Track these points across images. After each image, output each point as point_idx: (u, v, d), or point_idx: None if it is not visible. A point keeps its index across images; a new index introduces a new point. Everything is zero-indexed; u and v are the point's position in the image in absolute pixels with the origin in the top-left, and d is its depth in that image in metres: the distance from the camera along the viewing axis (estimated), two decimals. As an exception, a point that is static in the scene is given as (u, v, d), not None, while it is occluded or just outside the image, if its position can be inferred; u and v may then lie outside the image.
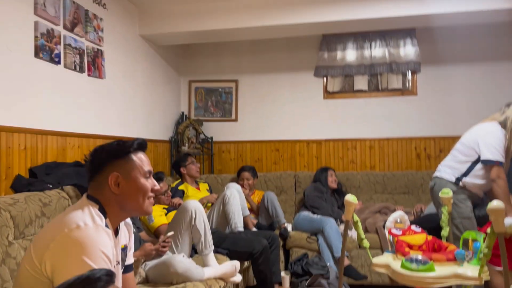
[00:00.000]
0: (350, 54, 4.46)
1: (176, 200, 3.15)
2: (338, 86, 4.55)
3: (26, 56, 2.35)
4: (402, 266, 1.96)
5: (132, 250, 1.47)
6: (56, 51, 2.58)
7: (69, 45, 2.71)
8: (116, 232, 1.33)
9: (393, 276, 2.02)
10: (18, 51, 2.29)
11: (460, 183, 2.68)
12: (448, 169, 2.76)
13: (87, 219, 1.18)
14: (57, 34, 2.59)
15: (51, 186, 2.27)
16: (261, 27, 3.73)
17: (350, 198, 2.04)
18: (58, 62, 2.61)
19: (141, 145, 1.34)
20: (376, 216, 3.63)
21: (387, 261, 2.11)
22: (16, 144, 2.25)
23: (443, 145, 4.32)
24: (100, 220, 1.21)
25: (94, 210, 1.22)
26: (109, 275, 0.84)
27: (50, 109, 2.55)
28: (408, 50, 4.33)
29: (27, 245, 1.92)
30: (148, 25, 3.81)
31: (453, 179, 2.70)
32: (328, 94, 4.59)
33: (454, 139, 4.24)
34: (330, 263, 3.08)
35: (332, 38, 4.50)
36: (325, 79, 4.58)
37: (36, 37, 2.41)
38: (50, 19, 2.53)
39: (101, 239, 1.14)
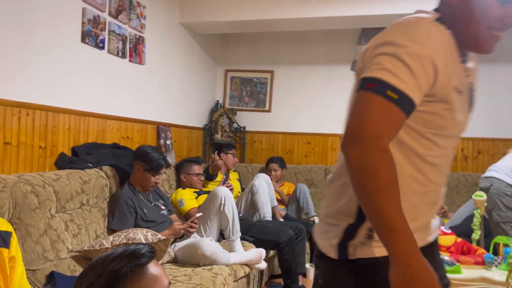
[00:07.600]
0: (389, 49, 4.37)
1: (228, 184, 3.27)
2: (375, 81, 4.48)
3: (73, 41, 2.47)
4: (428, 266, 1.95)
5: None
6: (101, 37, 2.69)
7: (113, 31, 2.82)
8: None
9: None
10: (67, 36, 2.42)
11: None
12: (510, 172, 2.64)
13: None
14: (103, 21, 2.70)
15: (91, 165, 2.40)
16: (300, 19, 3.72)
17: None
18: (103, 48, 2.73)
19: None
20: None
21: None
22: (61, 124, 2.38)
23: (482, 146, 4.18)
24: None
25: None
26: (152, 252, 0.89)
27: (93, 92, 2.68)
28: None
29: (68, 219, 2.05)
30: (189, 14, 3.88)
31: None
32: (364, 89, 4.52)
33: (494, 141, 4.15)
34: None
35: (372, 32, 4.42)
36: (362, 74, 4.51)
37: (83, 23, 2.53)
38: (97, 6, 2.64)
39: None
